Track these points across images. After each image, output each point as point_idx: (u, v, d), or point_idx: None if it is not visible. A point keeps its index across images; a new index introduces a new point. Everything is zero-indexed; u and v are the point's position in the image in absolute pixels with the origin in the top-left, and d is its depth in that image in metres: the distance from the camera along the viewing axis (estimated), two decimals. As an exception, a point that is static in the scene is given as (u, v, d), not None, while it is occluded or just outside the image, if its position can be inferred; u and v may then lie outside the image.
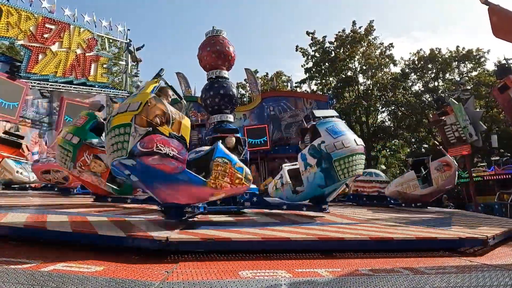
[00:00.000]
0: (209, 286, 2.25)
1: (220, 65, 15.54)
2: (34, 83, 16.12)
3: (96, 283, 2.21)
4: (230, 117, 15.78)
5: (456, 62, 32.25)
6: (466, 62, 32.19)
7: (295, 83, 36.00)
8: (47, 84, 16.76)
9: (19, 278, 2.26)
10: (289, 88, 34.27)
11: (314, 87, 35.33)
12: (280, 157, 21.84)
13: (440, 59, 31.79)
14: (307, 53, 35.49)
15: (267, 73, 39.69)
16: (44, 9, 16.68)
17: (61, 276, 2.34)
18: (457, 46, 31.87)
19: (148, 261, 3.00)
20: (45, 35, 16.51)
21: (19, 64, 15.99)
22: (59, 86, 17.18)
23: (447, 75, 32.84)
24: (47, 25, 16.63)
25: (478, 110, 14.87)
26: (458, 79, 29.32)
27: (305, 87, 35.80)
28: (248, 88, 34.10)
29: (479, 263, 3.29)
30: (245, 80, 33.78)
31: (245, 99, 30.41)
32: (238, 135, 7.35)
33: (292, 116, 23.91)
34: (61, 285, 2.15)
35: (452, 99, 14.22)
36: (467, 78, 28.86)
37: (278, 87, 34.59)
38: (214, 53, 15.53)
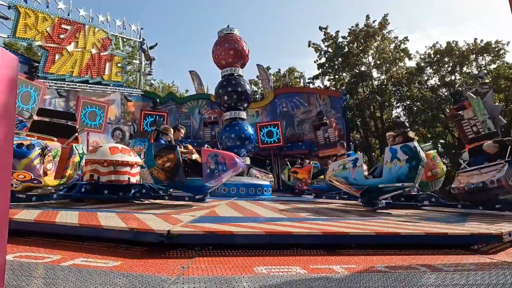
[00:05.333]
0: (224, 281, 2.26)
1: (234, 63, 15.60)
2: (51, 83, 16.52)
3: (114, 278, 2.26)
4: (243, 114, 15.85)
5: (474, 55, 31.34)
6: (485, 55, 31.25)
7: (308, 79, 35.78)
8: (64, 84, 17.15)
9: (39, 272, 2.33)
10: (301, 84, 34.05)
11: (327, 83, 35.02)
12: (293, 154, 21.73)
13: (457, 52, 30.97)
14: (319, 48, 35.17)
15: (279, 70, 39.59)
16: (60, 10, 17.03)
17: (80, 270, 2.40)
18: (475, 39, 30.99)
19: (164, 257, 3.04)
20: (61, 36, 16.88)
21: (37, 64, 16.40)
22: (75, 85, 17.56)
23: (465, 68, 31.99)
24: (63, 26, 16.99)
25: (497, 104, 14.47)
26: (476, 72, 28.55)
27: (317, 83, 35.55)
28: (260, 85, 34.08)
29: (499, 260, 3.20)
30: (257, 77, 33.75)
31: (257, 96, 30.39)
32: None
33: (305, 112, 23.76)
34: (80, 279, 2.21)
35: (470, 93, 13.84)
36: (485, 71, 28.04)
37: (290, 83, 34.42)
38: (229, 50, 15.60)
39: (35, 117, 6.56)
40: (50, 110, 7.48)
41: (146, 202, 7.04)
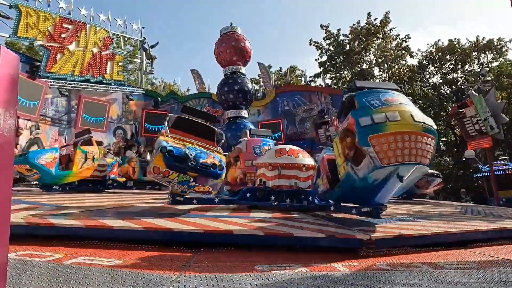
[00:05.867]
0: (225, 279, 2.26)
1: (236, 61, 15.59)
2: (53, 82, 16.52)
3: (116, 276, 2.26)
4: (245, 113, 15.85)
5: (476, 53, 31.21)
6: (487, 52, 31.12)
7: (309, 77, 35.71)
8: (65, 83, 17.15)
9: (42, 270, 2.34)
10: (303, 82, 33.97)
11: (328, 81, 34.95)
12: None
13: (459, 50, 30.84)
14: (321, 46, 35.08)
15: (280, 68, 39.49)
16: (61, 9, 17.02)
17: (82, 268, 2.41)
18: (477, 36, 30.90)
19: (167, 255, 3.04)
20: (63, 35, 16.86)
21: (38, 63, 16.40)
22: (77, 84, 17.56)
23: (467, 66, 31.86)
24: (64, 25, 16.98)
25: (499, 102, 14.41)
26: (478, 70, 28.42)
27: (319, 81, 35.48)
28: (261, 83, 34.02)
29: (501, 258, 3.20)
30: (258, 75, 33.73)
31: (258, 95, 30.32)
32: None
33: (306, 110, 23.71)
34: (82, 277, 2.22)
35: (472, 91, 13.76)
36: (487, 68, 27.91)
37: (292, 81, 34.35)
38: (231, 48, 15.57)
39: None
40: (194, 109, 6.96)
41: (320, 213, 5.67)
